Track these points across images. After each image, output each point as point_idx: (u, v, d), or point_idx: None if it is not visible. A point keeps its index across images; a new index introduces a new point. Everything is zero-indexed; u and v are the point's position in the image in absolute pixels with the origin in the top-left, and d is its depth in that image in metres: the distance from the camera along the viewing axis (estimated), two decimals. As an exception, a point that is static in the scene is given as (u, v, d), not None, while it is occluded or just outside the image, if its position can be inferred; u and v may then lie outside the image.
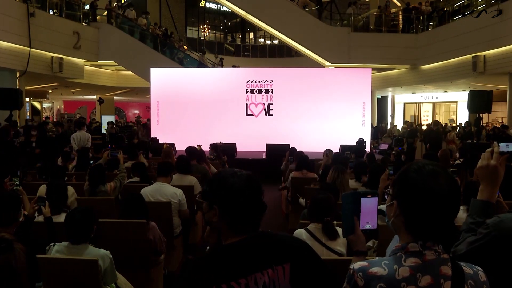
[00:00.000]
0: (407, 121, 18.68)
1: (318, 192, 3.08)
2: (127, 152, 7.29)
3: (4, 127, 9.16)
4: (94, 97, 21.17)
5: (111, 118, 19.41)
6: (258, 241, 1.36)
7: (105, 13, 15.66)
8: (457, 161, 6.73)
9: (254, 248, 1.34)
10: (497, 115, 17.42)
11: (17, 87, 11.50)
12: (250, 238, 1.36)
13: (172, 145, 10.06)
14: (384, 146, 12.60)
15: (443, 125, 15.72)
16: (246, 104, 13.20)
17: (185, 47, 19.35)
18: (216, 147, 8.49)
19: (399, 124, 18.54)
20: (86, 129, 10.61)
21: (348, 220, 1.45)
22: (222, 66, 19.20)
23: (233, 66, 17.45)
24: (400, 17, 16.22)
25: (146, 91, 15.07)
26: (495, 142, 1.63)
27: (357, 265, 1.23)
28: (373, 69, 14.65)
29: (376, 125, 17.16)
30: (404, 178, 1.26)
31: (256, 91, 13.19)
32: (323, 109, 13.01)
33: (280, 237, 1.39)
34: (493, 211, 1.58)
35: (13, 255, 2.18)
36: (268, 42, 26.63)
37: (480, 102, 10.52)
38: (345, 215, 1.47)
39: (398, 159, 7.70)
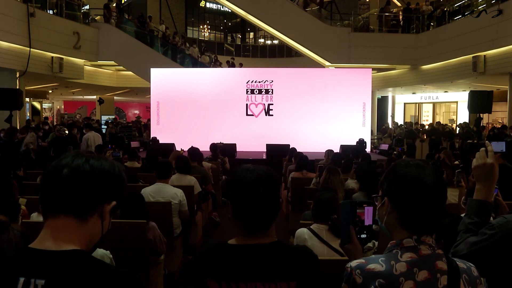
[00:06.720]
0: (396, 122, 18.74)
1: (322, 192, 3.04)
2: (127, 153, 7.31)
3: (11, 128, 9.20)
4: (94, 97, 21.15)
5: (111, 119, 19.38)
6: (267, 251, 1.33)
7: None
8: (456, 162, 6.75)
9: (261, 257, 1.32)
10: (497, 115, 17.40)
11: (17, 87, 11.47)
12: (260, 245, 1.33)
13: (172, 145, 10.06)
14: (384, 147, 12.62)
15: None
16: (246, 104, 13.19)
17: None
18: (215, 148, 8.47)
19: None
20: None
21: (345, 229, 1.46)
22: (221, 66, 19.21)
23: (227, 62, 17.45)
24: (400, 17, 16.21)
25: (146, 91, 15.06)
26: (487, 141, 1.63)
27: (354, 263, 1.25)
28: (373, 69, 14.65)
29: (376, 126, 17.14)
30: (393, 173, 1.29)
31: (256, 91, 13.18)
32: (323, 109, 13.00)
33: (291, 251, 1.37)
34: (491, 210, 1.58)
35: (6, 236, 2.18)
36: (268, 42, 26.60)
37: (480, 102, 10.49)
38: (342, 224, 1.48)
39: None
